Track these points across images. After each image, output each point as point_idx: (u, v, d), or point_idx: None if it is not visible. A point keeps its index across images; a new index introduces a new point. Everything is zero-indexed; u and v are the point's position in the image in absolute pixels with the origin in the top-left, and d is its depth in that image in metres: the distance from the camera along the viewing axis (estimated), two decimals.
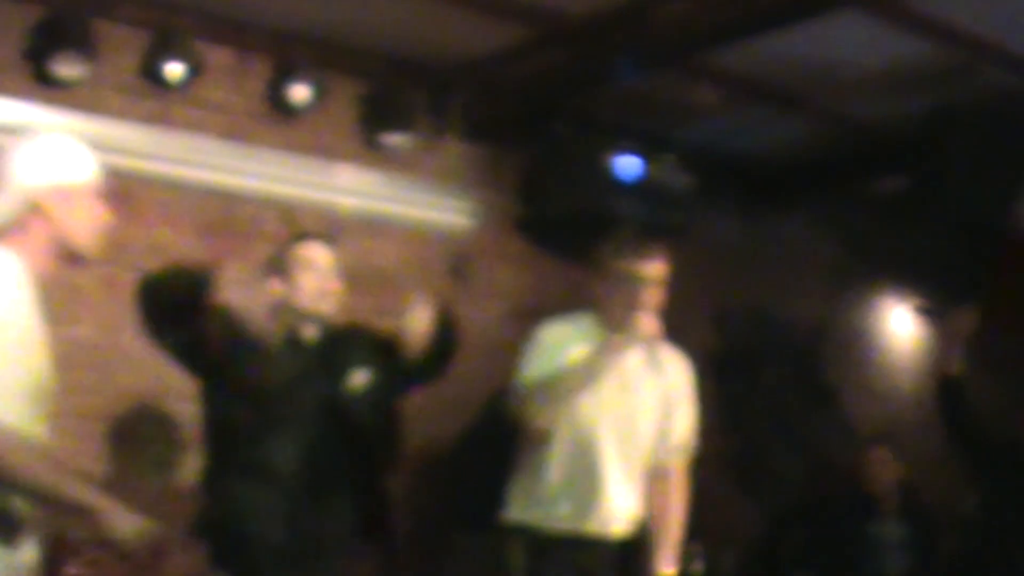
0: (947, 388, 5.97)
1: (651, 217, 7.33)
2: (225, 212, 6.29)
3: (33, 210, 3.33)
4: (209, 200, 6.26)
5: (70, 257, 3.44)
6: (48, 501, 3.18)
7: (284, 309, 4.62)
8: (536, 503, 4.56)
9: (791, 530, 7.47)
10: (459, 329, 4.91)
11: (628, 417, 4.58)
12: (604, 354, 4.44)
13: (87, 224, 3.43)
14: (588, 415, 4.51)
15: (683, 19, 6.00)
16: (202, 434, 4.71)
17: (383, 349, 4.81)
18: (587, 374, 4.44)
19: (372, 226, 6.74)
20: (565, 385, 4.44)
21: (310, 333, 4.67)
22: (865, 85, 6.84)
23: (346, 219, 6.68)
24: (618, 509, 4.58)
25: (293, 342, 4.63)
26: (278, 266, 4.65)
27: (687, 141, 7.64)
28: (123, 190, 6.02)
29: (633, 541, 4.63)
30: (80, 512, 3.19)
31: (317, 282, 4.63)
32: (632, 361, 4.58)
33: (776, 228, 8.56)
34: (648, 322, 4.44)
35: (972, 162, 6.80)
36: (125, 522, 3.19)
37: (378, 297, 5.96)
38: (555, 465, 4.54)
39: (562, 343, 4.56)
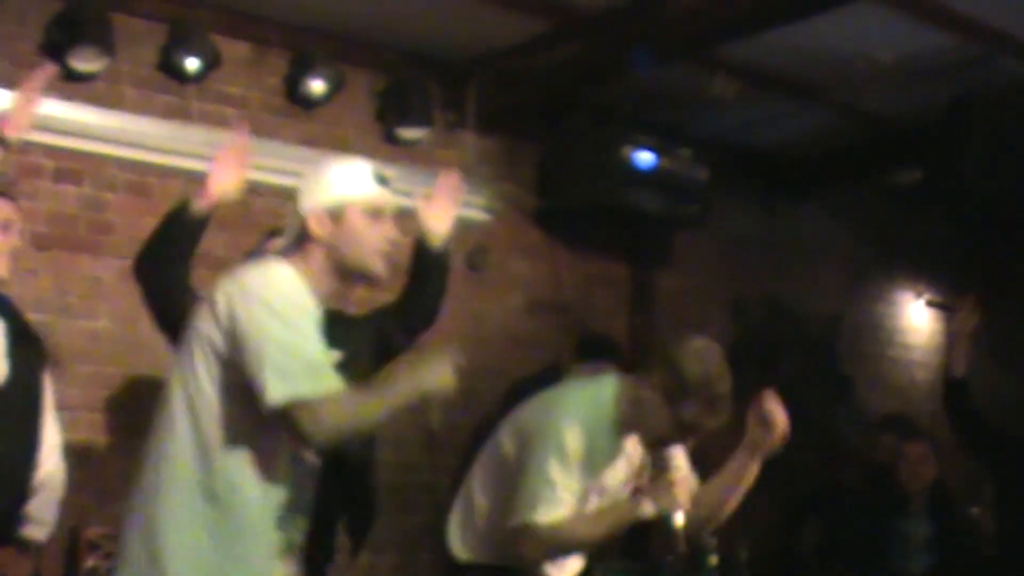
0: (953, 391, 5.94)
1: (667, 209, 7.34)
2: (242, 205, 6.30)
3: (306, 235, 3.39)
4: None
5: (355, 277, 3.45)
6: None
7: None
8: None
9: (809, 523, 7.44)
10: (445, 262, 4.94)
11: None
12: (628, 518, 4.19)
13: (363, 244, 3.40)
14: None
15: (699, 11, 6.00)
16: None
17: (361, 324, 4.87)
18: (605, 532, 4.21)
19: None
20: (580, 540, 4.24)
21: None
22: (881, 77, 6.83)
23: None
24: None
25: None
26: None
27: (703, 133, 7.64)
28: (141, 184, 6.08)
29: None
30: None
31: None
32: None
33: (792, 220, 8.57)
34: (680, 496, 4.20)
35: (988, 154, 6.79)
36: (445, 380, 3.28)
37: (396, 291, 5.97)
38: None
39: (588, 453, 4.19)
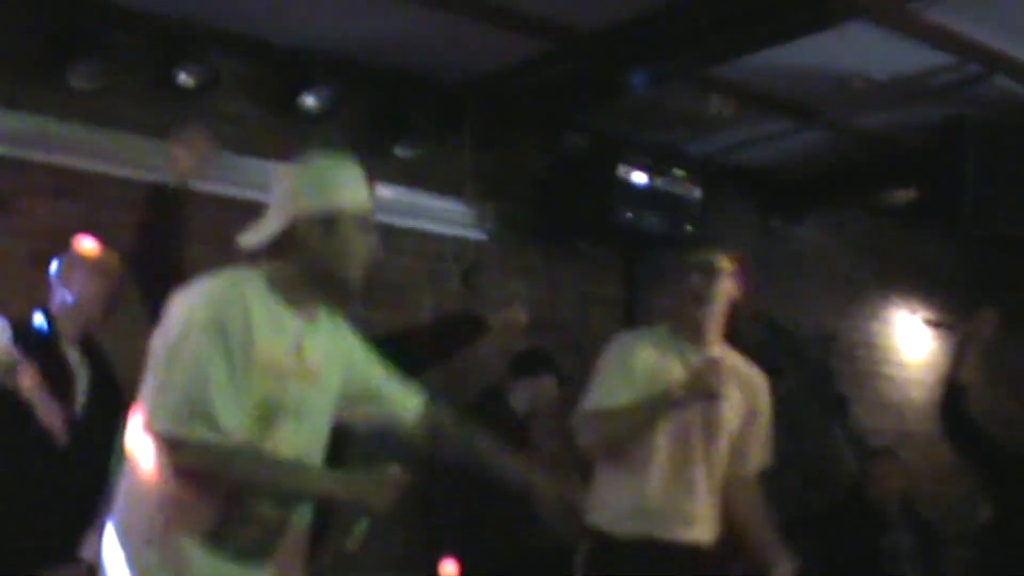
0: (952, 396, 5.96)
1: (663, 229, 7.36)
2: (240, 224, 6.30)
3: (289, 235, 3.26)
4: (224, 212, 6.28)
5: (331, 288, 3.35)
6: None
7: None
8: (633, 513, 4.51)
9: (800, 542, 7.45)
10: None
11: (714, 429, 4.56)
12: (664, 403, 4.39)
13: (351, 256, 3.31)
14: (682, 426, 4.49)
15: (695, 32, 6.01)
16: None
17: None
18: (644, 419, 4.42)
19: (385, 238, 6.73)
20: (621, 426, 4.43)
21: None
22: (876, 96, 6.87)
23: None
24: (706, 519, 4.58)
25: None
26: None
27: (699, 152, 7.67)
28: (139, 201, 6.08)
29: (713, 550, 4.63)
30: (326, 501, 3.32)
31: None
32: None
33: (787, 238, 8.59)
34: (713, 373, 4.36)
35: (983, 173, 6.82)
36: (376, 499, 3.25)
37: (391, 309, 5.98)
38: (654, 475, 4.49)
39: (636, 366, 4.51)
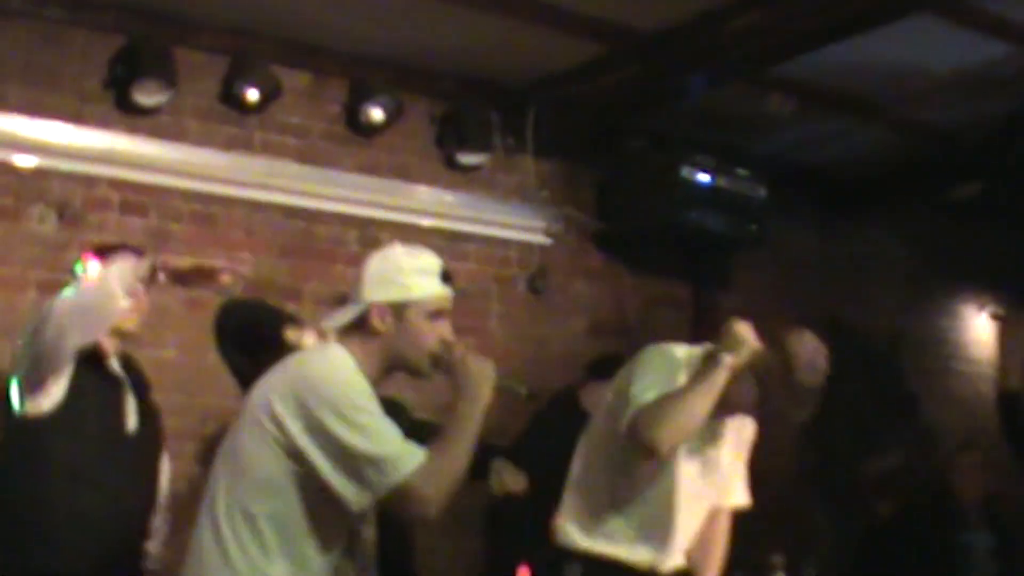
0: (1007, 404, 5.89)
1: (727, 229, 7.34)
2: (305, 233, 6.37)
3: (364, 321, 3.47)
4: (289, 221, 6.35)
5: (402, 370, 3.55)
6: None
7: None
8: (608, 534, 4.40)
9: (880, 542, 7.39)
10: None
11: (708, 457, 4.53)
12: (714, 369, 4.18)
13: (420, 344, 3.48)
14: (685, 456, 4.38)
15: (754, 31, 5.99)
16: None
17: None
18: (705, 390, 4.19)
19: (450, 245, 6.79)
20: (686, 406, 4.19)
21: None
22: (939, 91, 6.82)
23: (425, 238, 6.76)
24: (681, 546, 4.49)
25: None
26: None
27: (761, 152, 7.65)
28: (205, 214, 6.15)
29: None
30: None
31: None
32: None
33: (852, 237, 8.54)
34: (749, 331, 4.24)
35: None
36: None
37: (458, 315, 5.99)
38: (637, 498, 4.39)
39: (676, 364, 4.36)
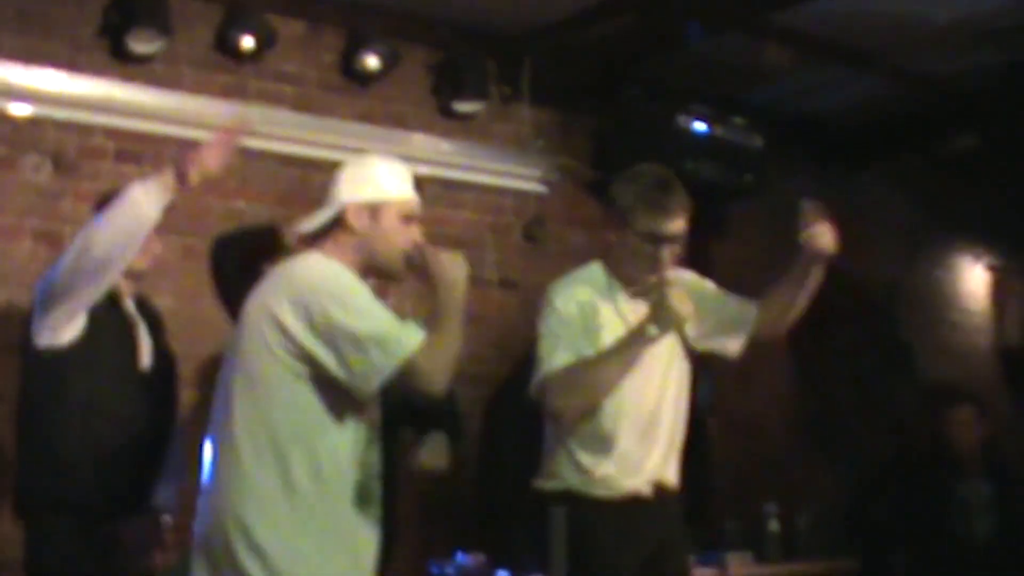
0: (1009, 359, 5.88)
1: (723, 179, 7.33)
2: (301, 181, 6.36)
3: (340, 222, 3.66)
4: (285, 169, 6.34)
5: (376, 271, 3.73)
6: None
7: None
8: (589, 470, 4.40)
9: (877, 493, 7.42)
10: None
11: (671, 356, 4.50)
12: (637, 344, 4.19)
13: (393, 243, 3.68)
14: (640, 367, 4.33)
15: None
16: None
17: None
18: (622, 362, 4.21)
19: (446, 193, 6.80)
20: (598, 377, 4.23)
21: None
22: (937, 40, 6.79)
23: (420, 187, 6.75)
24: (670, 458, 4.49)
25: None
26: None
27: (758, 102, 7.63)
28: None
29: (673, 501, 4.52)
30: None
31: None
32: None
33: (848, 187, 8.53)
34: (682, 304, 4.17)
35: None
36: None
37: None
38: (622, 429, 4.39)
39: (584, 315, 4.36)
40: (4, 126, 5.66)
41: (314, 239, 3.72)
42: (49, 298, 4.28)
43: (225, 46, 6.17)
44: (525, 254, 7.06)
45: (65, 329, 4.28)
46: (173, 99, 6.03)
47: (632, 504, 4.38)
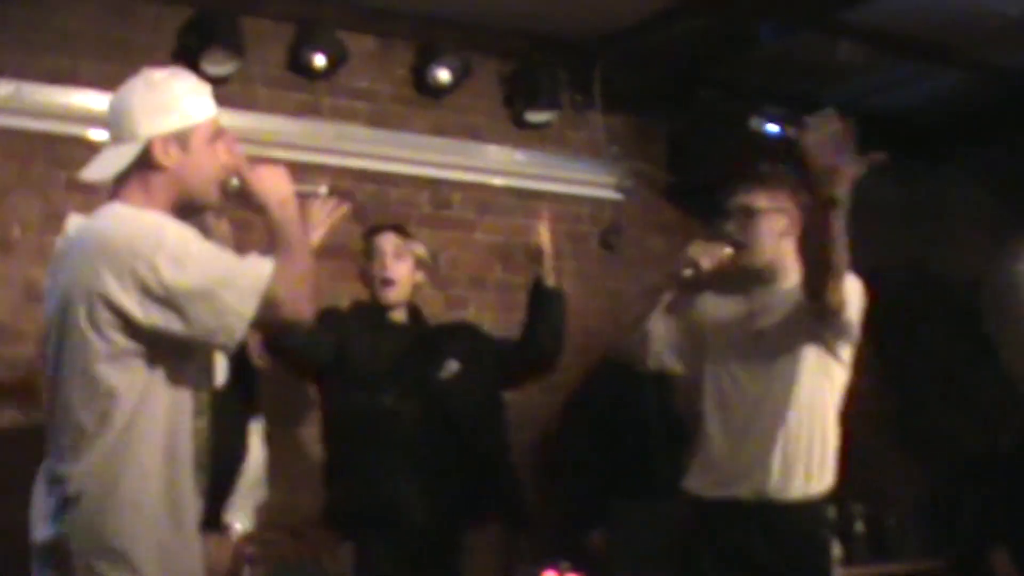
0: None
1: (802, 179, 7.28)
2: (377, 196, 6.40)
3: (145, 160, 3.13)
4: (361, 185, 6.38)
5: (191, 208, 3.23)
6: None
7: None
8: (703, 472, 4.47)
9: (968, 490, 7.34)
10: (564, 314, 5.13)
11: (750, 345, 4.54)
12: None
13: (207, 171, 3.19)
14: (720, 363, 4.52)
15: None
16: (324, 425, 5.12)
17: (485, 346, 5.17)
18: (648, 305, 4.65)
19: (522, 203, 6.81)
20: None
21: (397, 317, 5.06)
22: (1015, 32, 6.71)
23: (496, 197, 6.78)
24: (774, 465, 4.34)
25: (378, 326, 5.01)
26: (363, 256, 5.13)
27: (836, 100, 7.55)
28: None
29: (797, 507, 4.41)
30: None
31: (378, 271, 5.05)
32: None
33: (931, 183, 8.45)
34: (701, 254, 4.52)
35: None
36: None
37: (531, 273, 6.00)
38: (712, 427, 4.47)
39: None
40: (85, 152, 5.72)
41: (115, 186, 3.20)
42: None
43: (298, 64, 6.22)
44: (603, 262, 7.06)
45: None
46: (248, 119, 6.08)
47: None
